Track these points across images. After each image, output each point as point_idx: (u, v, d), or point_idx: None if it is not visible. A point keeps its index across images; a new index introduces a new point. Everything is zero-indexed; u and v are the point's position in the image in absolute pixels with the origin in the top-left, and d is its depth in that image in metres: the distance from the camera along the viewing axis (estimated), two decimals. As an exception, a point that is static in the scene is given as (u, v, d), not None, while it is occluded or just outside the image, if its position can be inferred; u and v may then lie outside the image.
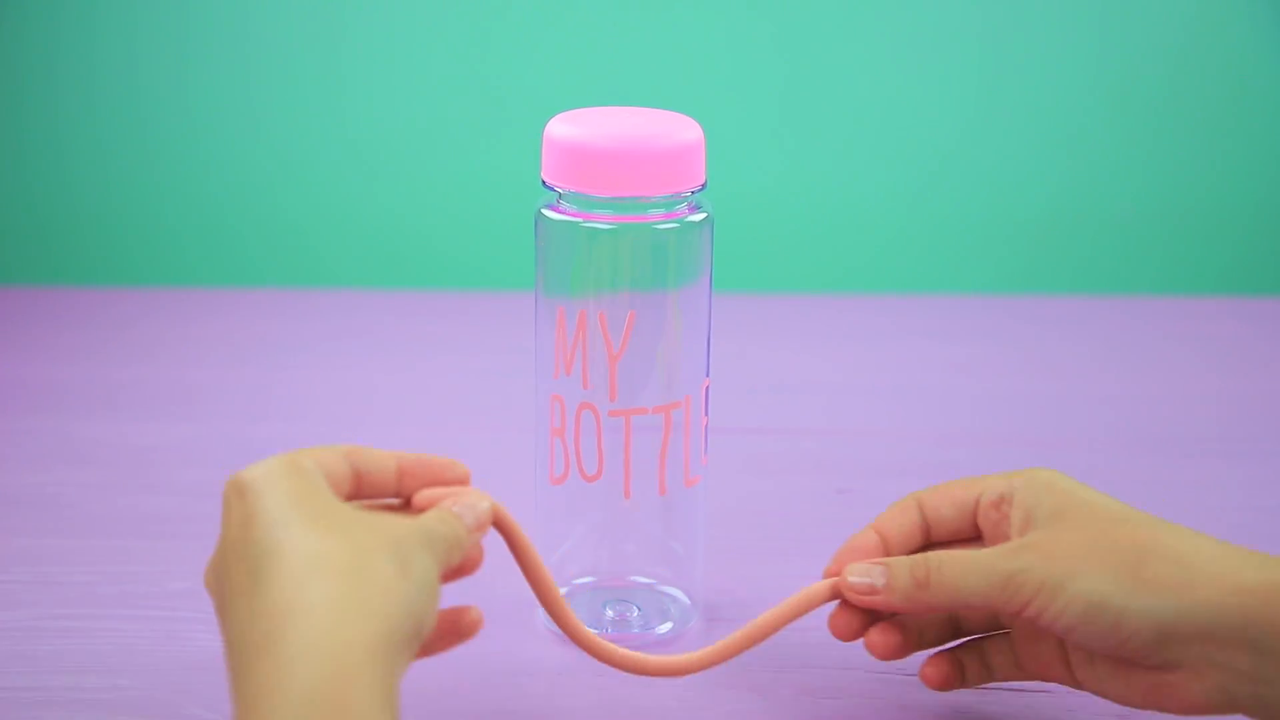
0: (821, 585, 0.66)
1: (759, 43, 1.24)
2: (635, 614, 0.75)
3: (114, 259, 1.28)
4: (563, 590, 0.75)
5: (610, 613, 0.75)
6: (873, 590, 0.63)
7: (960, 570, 0.61)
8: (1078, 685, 0.63)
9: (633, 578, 0.76)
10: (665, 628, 0.75)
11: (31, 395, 1.04)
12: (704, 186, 0.71)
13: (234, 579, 0.53)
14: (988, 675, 0.66)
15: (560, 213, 0.71)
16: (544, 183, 0.71)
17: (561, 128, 0.70)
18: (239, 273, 1.28)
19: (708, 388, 0.74)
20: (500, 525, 0.61)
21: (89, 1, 1.23)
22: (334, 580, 0.51)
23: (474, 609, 0.61)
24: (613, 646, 0.65)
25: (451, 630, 0.61)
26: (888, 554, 0.66)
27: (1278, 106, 1.26)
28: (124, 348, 1.13)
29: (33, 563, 0.81)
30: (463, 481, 0.61)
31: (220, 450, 0.96)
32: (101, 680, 0.71)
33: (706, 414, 0.74)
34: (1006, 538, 0.64)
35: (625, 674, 0.67)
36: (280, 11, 1.23)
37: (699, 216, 0.71)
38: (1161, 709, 0.60)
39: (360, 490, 0.59)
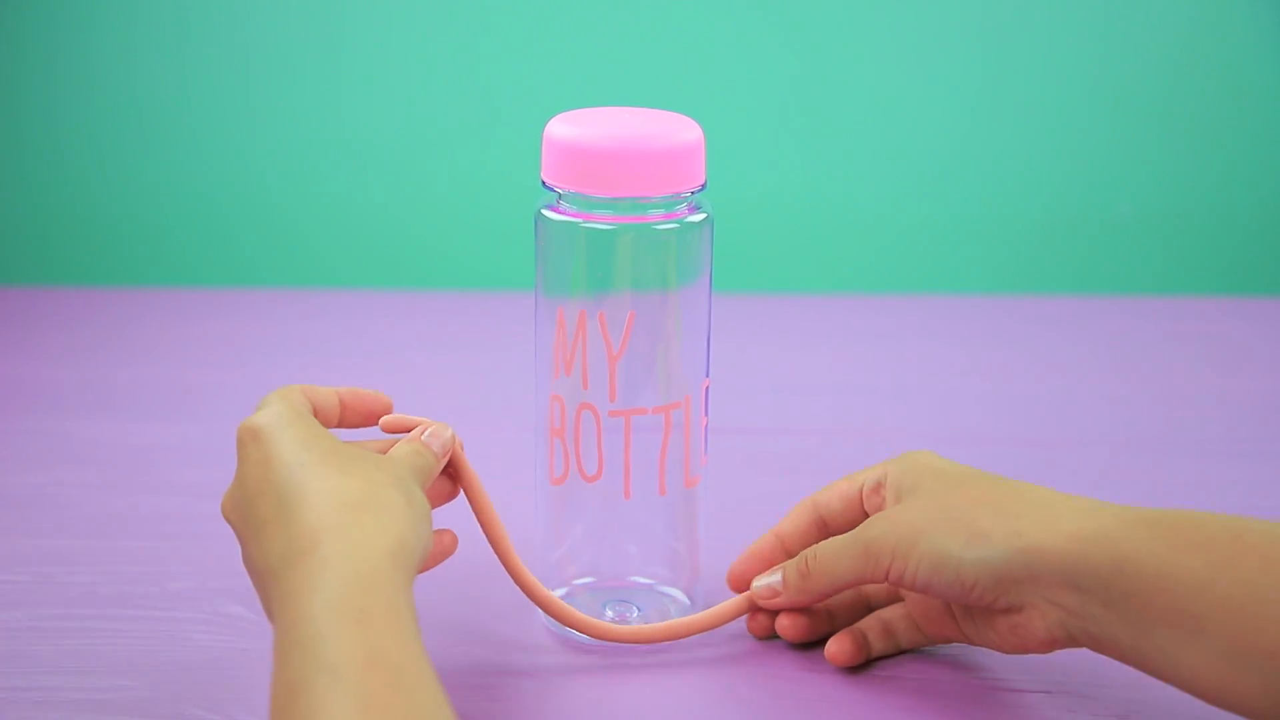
0: (738, 598, 0.73)
1: (759, 43, 1.24)
2: (635, 614, 0.75)
3: (114, 259, 1.28)
4: (563, 590, 0.76)
5: (610, 613, 0.75)
6: (774, 592, 0.72)
7: (831, 553, 0.69)
8: (969, 640, 0.70)
9: (633, 578, 0.76)
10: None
11: (31, 395, 1.04)
12: (704, 187, 0.71)
13: (259, 511, 0.62)
14: (893, 643, 0.72)
15: (560, 213, 0.71)
16: (544, 183, 0.71)
17: (561, 128, 0.70)
18: (239, 273, 1.28)
19: (708, 388, 0.74)
20: (453, 462, 0.70)
21: (89, 1, 1.23)
22: (355, 509, 0.60)
23: (450, 532, 0.71)
24: (555, 597, 0.71)
25: (439, 550, 0.70)
26: (787, 554, 0.74)
27: (1278, 106, 1.26)
28: (124, 348, 1.13)
29: (33, 563, 0.81)
30: (387, 408, 0.70)
31: (220, 450, 0.95)
32: (101, 680, 0.71)
33: (706, 414, 0.74)
34: None
35: (622, 675, 0.71)
36: (280, 12, 1.23)
37: (699, 217, 0.71)
38: (1024, 650, 0.66)
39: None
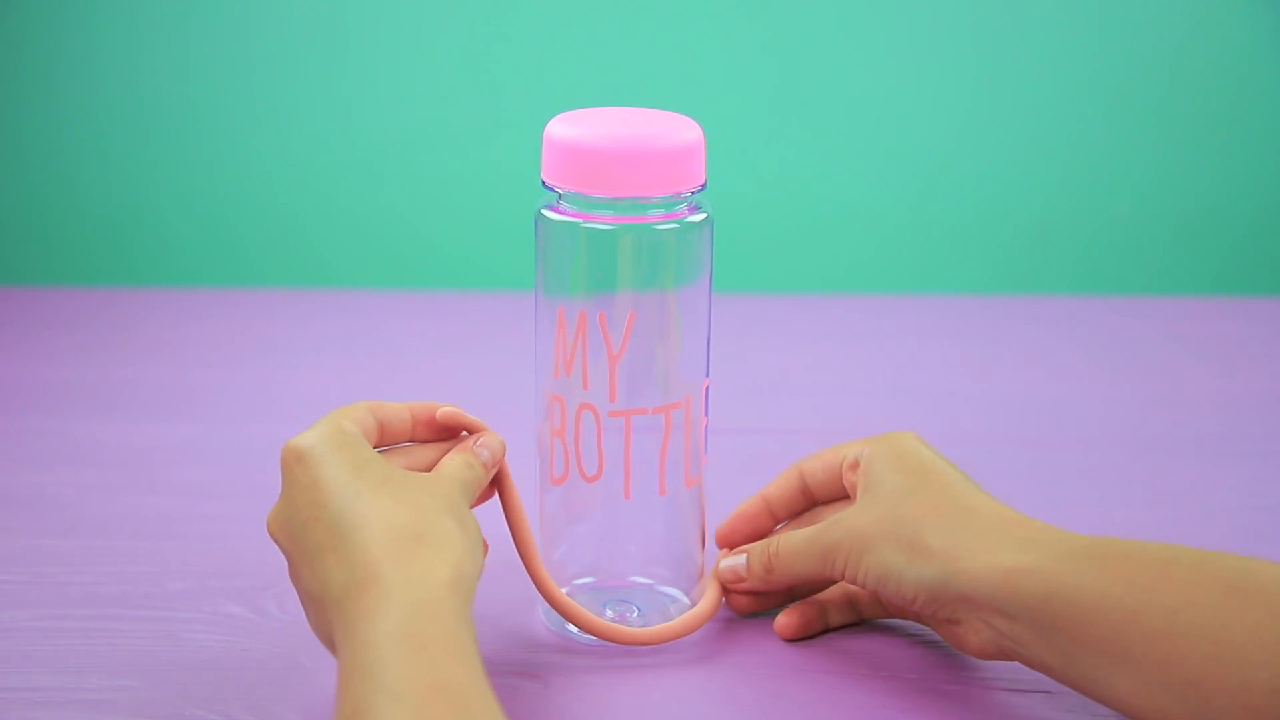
0: (714, 587, 0.75)
1: (758, 43, 1.24)
2: (635, 614, 0.75)
3: (114, 259, 1.28)
4: (563, 590, 0.76)
5: (610, 613, 0.75)
6: (739, 577, 0.75)
7: (792, 552, 0.72)
8: (927, 625, 0.73)
9: (633, 578, 0.76)
10: (665, 628, 0.76)
11: (31, 395, 1.04)
12: (704, 187, 0.71)
13: (314, 536, 0.62)
14: (854, 615, 0.75)
15: (560, 213, 0.71)
16: (544, 183, 0.71)
17: (561, 128, 0.70)
18: (239, 273, 1.28)
19: (708, 388, 0.74)
20: (498, 470, 0.71)
21: (90, 1, 1.23)
22: (412, 540, 0.61)
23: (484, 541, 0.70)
24: (573, 603, 0.72)
25: None
26: (772, 516, 0.77)
27: (1278, 106, 1.26)
28: (124, 348, 1.13)
29: (33, 563, 0.81)
30: (459, 428, 0.70)
31: (220, 450, 0.96)
32: (101, 680, 0.71)
33: (706, 414, 0.74)
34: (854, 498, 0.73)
35: (622, 675, 0.71)
36: (281, 12, 1.23)
37: (699, 217, 0.71)
38: (964, 651, 0.69)
39: (383, 439, 0.69)
